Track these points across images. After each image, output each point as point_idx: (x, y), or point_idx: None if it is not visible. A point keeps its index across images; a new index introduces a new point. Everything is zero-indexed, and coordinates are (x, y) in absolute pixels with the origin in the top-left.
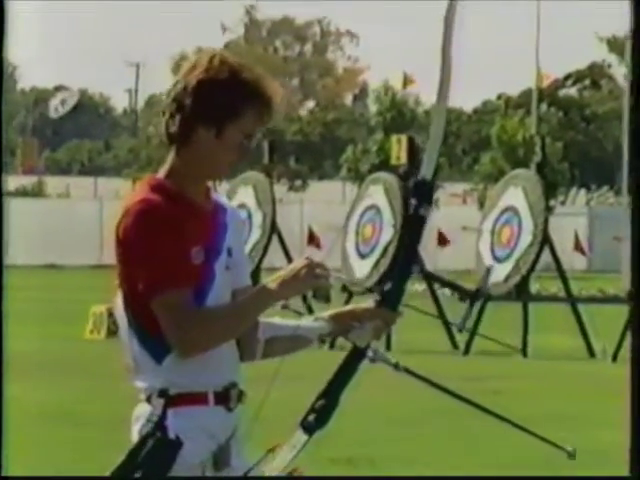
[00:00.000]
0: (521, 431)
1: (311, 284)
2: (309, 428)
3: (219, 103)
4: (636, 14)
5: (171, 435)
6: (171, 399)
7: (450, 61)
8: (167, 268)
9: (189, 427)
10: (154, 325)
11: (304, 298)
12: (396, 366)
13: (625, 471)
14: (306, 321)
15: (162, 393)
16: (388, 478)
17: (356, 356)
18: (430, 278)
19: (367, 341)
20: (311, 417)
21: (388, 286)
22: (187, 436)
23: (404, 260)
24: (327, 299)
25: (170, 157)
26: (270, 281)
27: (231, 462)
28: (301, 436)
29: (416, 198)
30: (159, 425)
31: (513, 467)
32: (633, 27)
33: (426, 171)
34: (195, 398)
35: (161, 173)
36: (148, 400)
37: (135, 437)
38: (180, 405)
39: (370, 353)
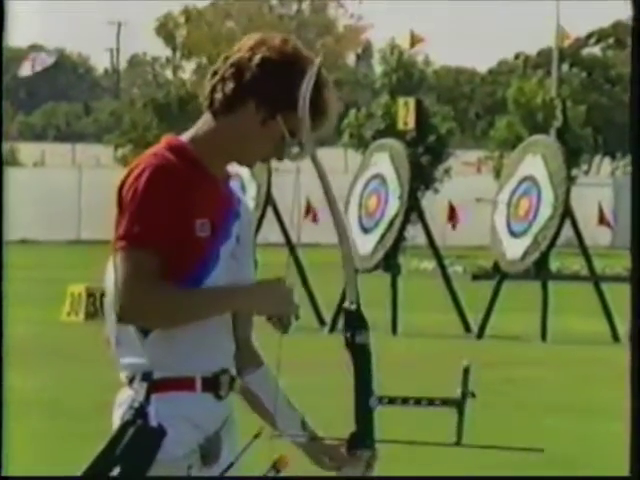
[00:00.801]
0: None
1: (283, 311)
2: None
3: (279, 90)
4: (636, 14)
5: (153, 423)
6: (155, 384)
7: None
8: (150, 226)
9: (172, 415)
10: None
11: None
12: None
13: None
14: (295, 413)
15: (145, 376)
16: (388, 478)
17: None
18: (399, 403)
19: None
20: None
21: (352, 431)
22: (170, 425)
23: (360, 397)
24: (286, 331)
25: (201, 122)
26: (242, 288)
27: (221, 456)
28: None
29: (349, 329)
30: (140, 412)
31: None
32: (633, 27)
33: (351, 297)
34: (181, 383)
35: (185, 136)
36: (130, 382)
37: (116, 424)
38: (164, 390)
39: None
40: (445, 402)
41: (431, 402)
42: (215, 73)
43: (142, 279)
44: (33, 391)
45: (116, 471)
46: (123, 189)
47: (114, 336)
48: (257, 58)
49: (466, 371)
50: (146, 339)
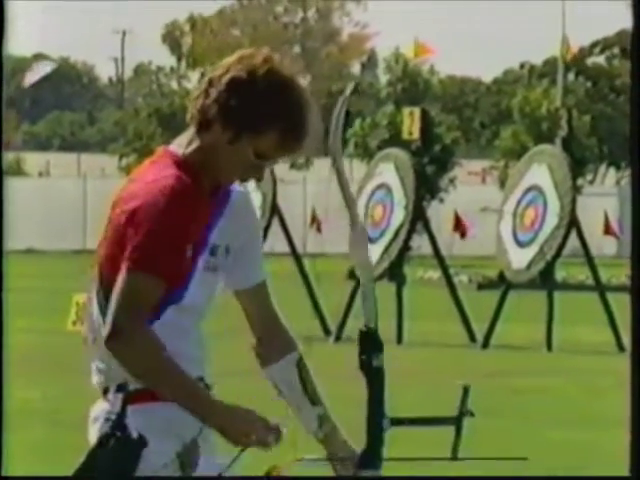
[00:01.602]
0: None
1: (250, 442)
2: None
3: (243, 111)
4: (636, 14)
5: (133, 434)
6: (130, 395)
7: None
8: (164, 255)
9: (150, 425)
10: None
11: None
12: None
13: None
14: (314, 409)
15: (120, 388)
16: (388, 478)
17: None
18: (408, 423)
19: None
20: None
21: (363, 448)
22: (149, 435)
23: (373, 417)
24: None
25: (190, 133)
26: (222, 403)
27: (199, 463)
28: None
29: (364, 350)
30: (118, 423)
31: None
32: (633, 27)
33: (370, 319)
34: (156, 393)
35: (178, 146)
36: (104, 393)
37: (93, 439)
38: (140, 402)
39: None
40: (443, 421)
41: (435, 421)
42: (197, 91)
43: (140, 308)
44: (37, 400)
45: None
46: (128, 201)
47: (91, 335)
48: (226, 77)
49: (466, 390)
50: None
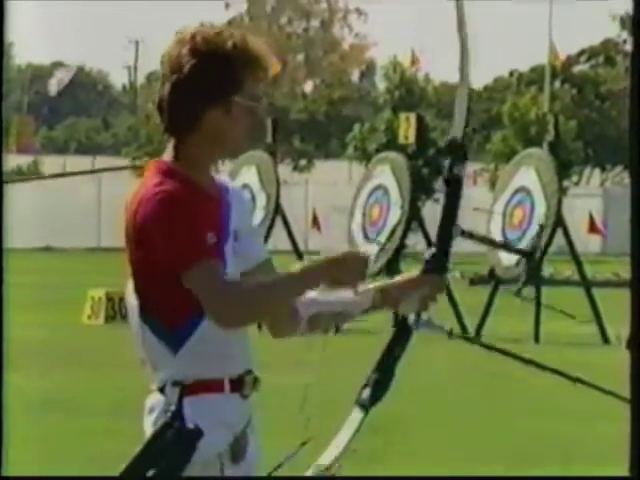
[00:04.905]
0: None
1: (359, 281)
2: (364, 405)
3: (219, 80)
4: (636, 14)
5: (189, 425)
6: (186, 388)
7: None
8: (195, 243)
9: (204, 416)
10: (169, 315)
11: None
12: (450, 333)
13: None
14: (348, 294)
15: (176, 382)
16: (388, 478)
17: (405, 329)
18: (475, 238)
19: (415, 311)
20: (365, 394)
21: (431, 251)
22: (204, 426)
23: (444, 223)
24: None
25: (174, 143)
26: (314, 264)
27: (247, 452)
28: (357, 414)
29: (449, 158)
30: (177, 415)
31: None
32: (633, 26)
33: (457, 130)
34: (210, 386)
35: (167, 157)
36: (161, 390)
37: (149, 429)
38: (195, 394)
39: (420, 322)
40: (520, 252)
41: (507, 250)
42: (160, 106)
43: (225, 284)
44: (54, 390)
45: (150, 472)
46: (136, 220)
47: (146, 356)
48: (184, 72)
49: (541, 227)
50: (175, 357)
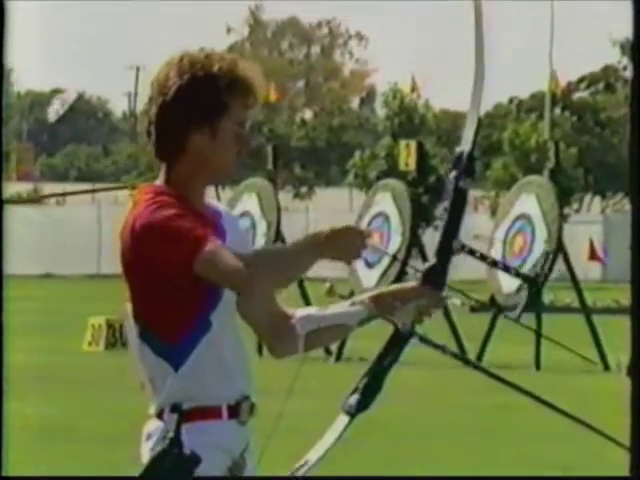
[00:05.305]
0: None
1: (357, 255)
2: (350, 411)
3: (204, 103)
4: (636, 14)
5: (187, 451)
6: (184, 414)
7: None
8: (196, 234)
9: (204, 443)
10: (169, 330)
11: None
12: (443, 350)
13: None
14: (343, 306)
15: (175, 408)
16: (387, 478)
17: (399, 339)
18: (475, 256)
19: (410, 321)
20: (353, 399)
21: (430, 264)
22: (202, 452)
23: (445, 236)
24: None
25: (165, 169)
26: (314, 236)
27: (245, 473)
28: (343, 418)
29: (456, 171)
30: (175, 441)
31: None
32: (633, 28)
33: (465, 143)
34: (208, 412)
35: (159, 181)
36: (159, 416)
37: (147, 455)
38: (193, 420)
39: (414, 334)
40: (524, 277)
41: (507, 269)
42: (149, 131)
43: (235, 259)
44: (54, 416)
45: None
46: (133, 233)
47: (147, 378)
48: (170, 95)
49: (547, 254)
50: (176, 373)
